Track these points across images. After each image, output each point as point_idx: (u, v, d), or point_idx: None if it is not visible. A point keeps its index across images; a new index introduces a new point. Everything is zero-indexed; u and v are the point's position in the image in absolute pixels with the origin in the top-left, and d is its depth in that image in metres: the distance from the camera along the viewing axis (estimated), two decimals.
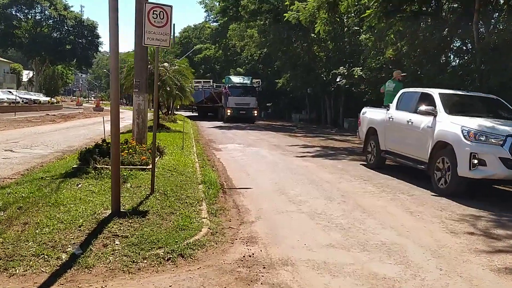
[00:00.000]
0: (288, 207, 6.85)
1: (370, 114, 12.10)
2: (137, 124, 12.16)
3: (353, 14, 25.89)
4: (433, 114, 8.84)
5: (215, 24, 66.67)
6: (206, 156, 13.16)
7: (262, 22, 35.40)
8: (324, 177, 9.64)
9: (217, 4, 56.49)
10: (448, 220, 6.22)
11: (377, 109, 12.28)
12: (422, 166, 8.95)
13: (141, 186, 7.18)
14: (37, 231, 4.73)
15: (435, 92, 9.60)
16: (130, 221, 5.22)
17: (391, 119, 10.58)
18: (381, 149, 10.91)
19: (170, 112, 32.87)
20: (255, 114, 36.02)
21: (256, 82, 39.24)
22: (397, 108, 10.63)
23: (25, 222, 4.99)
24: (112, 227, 4.97)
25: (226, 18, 39.90)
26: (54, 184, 7.08)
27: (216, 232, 5.34)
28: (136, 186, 7.20)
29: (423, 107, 9.15)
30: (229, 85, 36.21)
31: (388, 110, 10.91)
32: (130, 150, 9.59)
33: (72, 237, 4.63)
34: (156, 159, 9.96)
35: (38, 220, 5.04)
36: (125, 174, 7.92)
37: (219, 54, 62.33)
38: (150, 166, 8.32)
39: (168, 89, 20.22)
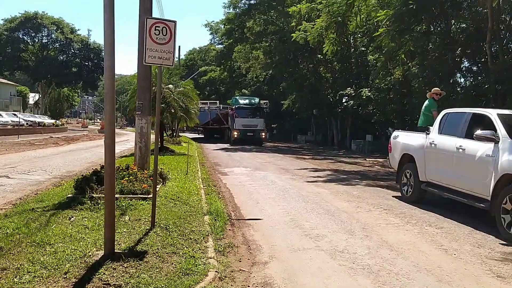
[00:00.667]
0: (305, 243, 6.11)
1: (404, 139, 10.46)
2: (139, 148, 11.55)
3: (360, 35, 25.59)
4: (494, 140, 7.23)
5: (220, 46, 66.73)
6: (211, 181, 12.47)
7: (267, 44, 35.07)
8: (340, 206, 8.89)
9: (222, 26, 56.75)
10: (490, 260, 5.45)
11: (412, 132, 10.73)
12: (482, 205, 7.29)
13: (141, 219, 6.48)
14: (15, 279, 4.03)
15: (492, 113, 7.89)
16: (125, 265, 4.50)
17: (433, 145, 8.99)
18: (420, 180, 9.32)
19: (174, 134, 32.36)
20: (263, 136, 34.94)
21: (264, 103, 38.37)
22: (440, 131, 9.06)
23: (4, 268, 4.29)
24: (104, 273, 4.25)
25: (232, 40, 39.73)
26: (45, 217, 6.39)
27: (225, 277, 4.62)
28: (135, 219, 6.51)
29: (479, 132, 7.44)
30: (236, 106, 35.19)
31: (428, 133, 9.39)
32: (131, 177, 8.91)
33: (55, 287, 3.91)
34: (158, 186, 9.29)
35: (19, 265, 4.34)
36: (123, 205, 7.22)
37: (224, 76, 62.15)
38: (152, 196, 7.65)
39: (173, 111, 19.69)
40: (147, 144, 11.93)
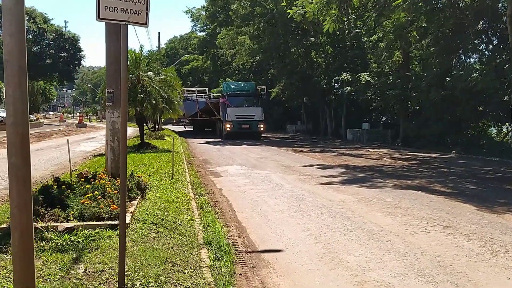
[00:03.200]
0: None
1: None
2: (111, 149, 9.17)
3: (364, 10, 23.25)
4: None
5: (202, 33, 64.03)
6: (203, 186, 10.12)
7: (255, 27, 32.43)
8: (382, 222, 6.64)
9: (204, 13, 53.92)
10: None
11: None
12: None
13: (104, 271, 4.13)
14: None
15: None
16: None
17: None
18: None
19: (157, 127, 29.78)
20: (262, 129, 28.91)
21: (261, 89, 32.26)
22: None
23: None
24: None
25: (215, 24, 37.09)
26: None
27: None
28: (94, 270, 4.15)
29: None
30: (228, 93, 29.18)
31: None
32: (97, 191, 6.51)
33: None
34: (136, 201, 6.91)
35: None
36: (79, 240, 4.86)
37: (207, 65, 59.52)
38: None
39: (154, 101, 17.16)
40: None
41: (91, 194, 6.36)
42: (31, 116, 52.53)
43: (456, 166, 14.72)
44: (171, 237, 5.41)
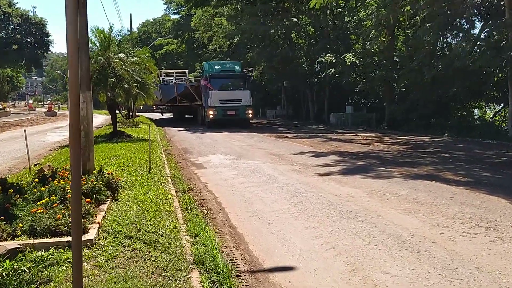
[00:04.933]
0: None
1: None
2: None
3: None
4: None
5: (176, 16, 61.81)
6: (186, 181, 8.83)
7: (232, 7, 30.78)
8: (407, 223, 5.50)
9: None
10: None
11: None
12: None
13: None
14: None
15: None
16: None
17: None
18: None
19: (131, 115, 28.08)
20: (250, 115, 25.17)
21: (248, 70, 28.79)
22: None
23: None
24: None
25: (191, 4, 35.20)
26: None
27: None
28: None
29: None
30: (210, 74, 25.02)
31: None
32: (54, 196, 5.17)
33: None
34: (105, 205, 5.58)
35: None
36: (26, 269, 3.54)
37: (182, 49, 57.57)
38: (89, 234, 4.10)
39: (126, 86, 15.63)
40: (88, 133, 8.09)
41: (47, 199, 5.01)
42: None
43: (455, 150, 13.79)
44: (151, 256, 4.14)
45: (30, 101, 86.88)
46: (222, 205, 6.85)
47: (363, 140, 17.47)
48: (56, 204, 4.77)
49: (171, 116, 38.06)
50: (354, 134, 20.60)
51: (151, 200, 6.43)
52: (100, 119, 35.59)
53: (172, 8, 64.22)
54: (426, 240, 4.84)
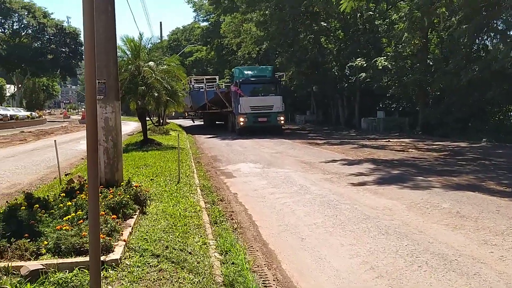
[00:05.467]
0: None
1: None
2: (104, 151, 7.65)
3: None
4: None
5: (205, 23, 62.26)
6: (215, 191, 8.62)
7: (261, 13, 30.61)
8: (452, 241, 5.11)
9: (206, 2, 52.17)
10: None
11: None
12: None
13: None
14: None
15: None
16: None
17: None
18: None
19: (161, 122, 28.22)
20: (282, 122, 24.31)
21: (279, 75, 27.56)
22: None
23: None
24: None
25: (219, 11, 35.28)
26: None
27: None
28: None
29: None
30: (240, 80, 24.33)
31: None
32: (80, 211, 5.04)
33: None
34: (133, 220, 5.41)
35: None
36: None
37: (211, 56, 57.88)
38: (114, 253, 3.92)
39: (156, 94, 15.64)
40: (117, 144, 7.98)
41: (74, 214, 4.89)
42: (33, 113, 51.32)
43: (496, 157, 13.13)
44: (179, 277, 3.92)
45: (64, 109, 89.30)
46: (252, 218, 6.60)
47: (397, 147, 16.93)
48: (81, 221, 4.62)
49: (202, 123, 37.68)
50: (387, 140, 20.03)
51: (180, 213, 6.24)
52: (131, 126, 36.00)
53: (201, 15, 64.73)
54: (475, 260, 4.45)
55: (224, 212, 6.93)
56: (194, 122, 38.86)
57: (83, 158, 15.46)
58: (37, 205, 5.06)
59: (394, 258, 4.61)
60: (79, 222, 4.61)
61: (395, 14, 23.29)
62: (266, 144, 18.56)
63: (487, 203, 6.86)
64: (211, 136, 24.50)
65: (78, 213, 4.91)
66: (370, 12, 28.09)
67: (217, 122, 34.11)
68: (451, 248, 4.82)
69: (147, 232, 5.15)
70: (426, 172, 10.25)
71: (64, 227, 4.47)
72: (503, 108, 20.59)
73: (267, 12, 29.84)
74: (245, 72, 25.37)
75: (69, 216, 4.80)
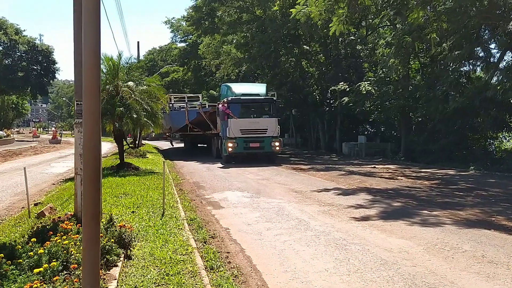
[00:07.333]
0: None
1: None
2: (82, 182, 6.68)
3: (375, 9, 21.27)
4: None
5: (182, 44, 61.74)
6: (205, 227, 7.74)
7: (242, 35, 30.20)
8: None
9: (184, 23, 51.75)
10: None
11: None
12: None
13: None
14: None
15: None
16: None
17: None
18: None
19: (138, 144, 27.19)
20: (277, 148, 20.72)
21: (272, 94, 23.05)
22: None
23: None
24: None
25: (200, 32, 34.72)
26: None
27: None
28: None
29: None
30: (229, 99, 20.91)
31: None
32: (54, 261, 4.15)
33: None
34: (117, 269, 4.51)
35: None
36: None
37: (188, 76, 57.30)
38: None
39: (135, 116, 14.78)
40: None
41: (46, 266, 3.98)
42: (1, 132, 49.28)
43: (490, 187, 12.73)
44: None
45: (34, 128, 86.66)
46: (252, 262, 5.79)
47: (385, 174, 16.43)
48: (57, 277, 3.72)
49: (182, 145, 34.05)
50: (372, 166, 19.57)
51: (170, 257, 5.39)
52: (105, 147, 34.56)
53: (179, 36, 64.24)
54: None
55: (219, 252, 6.10)
56: (173, 145, 34.55)
57: (54, 184, 14.34)
58: (2, 254, 4.13)
59: None
60: (54, 278, 3.71)
61: (381, 39, 23.20)
62: (250, 169, 17.75)
63: (510, 244, 6.25)
64: (191, 160, 23.46)
65: (52, 264, 4.01)
66: (352, 37, 28.04)
67: (198, 145, 31.39)
68: None
69: (135, 286, 4.28)
70: (428, 204, 9.66)
71: (35, 285, 3.57)
72: (488, 135, 20.50)
73: (247, 34, 29.43)
74: (235, 90, 21.91)
75: (41, 269, 3.90)
